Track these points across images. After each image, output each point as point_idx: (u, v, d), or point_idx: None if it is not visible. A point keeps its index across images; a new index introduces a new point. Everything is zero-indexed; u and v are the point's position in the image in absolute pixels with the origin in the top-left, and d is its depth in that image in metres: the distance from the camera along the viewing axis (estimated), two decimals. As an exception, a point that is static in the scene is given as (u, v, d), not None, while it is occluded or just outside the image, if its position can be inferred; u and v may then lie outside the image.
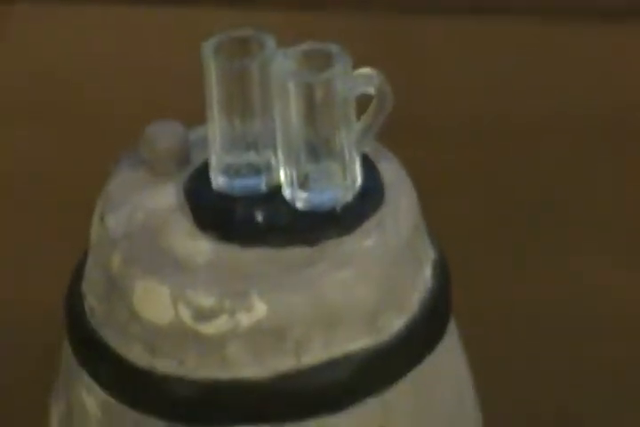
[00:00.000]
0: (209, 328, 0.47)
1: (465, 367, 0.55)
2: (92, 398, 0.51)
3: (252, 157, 0.54)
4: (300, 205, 0.53)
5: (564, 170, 1.00)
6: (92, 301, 0.52)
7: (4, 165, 1.04)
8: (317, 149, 0.53)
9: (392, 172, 0.55)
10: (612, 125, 1.11)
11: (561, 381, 0.91)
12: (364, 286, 0.50)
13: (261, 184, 0.54)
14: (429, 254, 0.54)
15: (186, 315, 0.48)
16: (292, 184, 0.54)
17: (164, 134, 0.56)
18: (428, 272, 0.53)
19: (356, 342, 0.49)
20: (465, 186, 0.99)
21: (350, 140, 0.54)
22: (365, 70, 0.54)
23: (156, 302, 0.49)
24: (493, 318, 0.86)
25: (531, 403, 0.73)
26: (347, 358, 0.48)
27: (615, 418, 0.87)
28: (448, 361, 0.53)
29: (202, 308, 0.48)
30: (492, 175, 1.04)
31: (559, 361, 0.89)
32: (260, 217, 0.52)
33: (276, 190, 0.53)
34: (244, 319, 0.48)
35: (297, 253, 0.51)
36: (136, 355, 0.48)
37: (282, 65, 0.53)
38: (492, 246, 0.89)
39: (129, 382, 0.49)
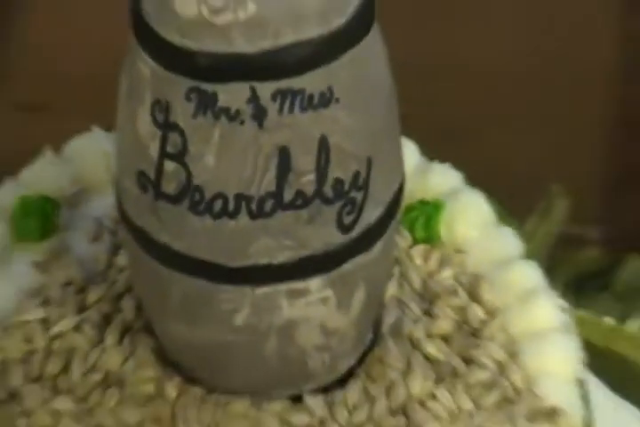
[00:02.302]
0: (219, 19, 0.54)
1: (385, 67, 0.60)
2: (146, 66, 0.57)
3: None
4: None
5: None
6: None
7: None
8: None
9: None
10: None
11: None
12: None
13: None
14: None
15: (205, 11, 0.55)
16: None
17: None
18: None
19: (314, 31, 0.56)
20: None
21: None
22: None
23: (187, 2, 0.55)
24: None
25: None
26: (308, 41, 0.55)
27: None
28: (375, 50, 0.59)
29: (215, 7, 0.55)
30: None
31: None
32: None
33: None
34: (242, 14, 0.54)
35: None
36: (173, 37, 0.55)
37: None
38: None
39: (168, 54, 0.56)
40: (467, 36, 1.11)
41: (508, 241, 0.63)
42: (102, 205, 0.62)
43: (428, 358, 0.60)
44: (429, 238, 0.62)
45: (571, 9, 1.17)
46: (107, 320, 0.61)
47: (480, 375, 0.60)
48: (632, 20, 1.17)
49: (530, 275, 0.62)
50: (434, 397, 0.59)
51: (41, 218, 0.63)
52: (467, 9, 1.17)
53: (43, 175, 0.64)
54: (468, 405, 0.59)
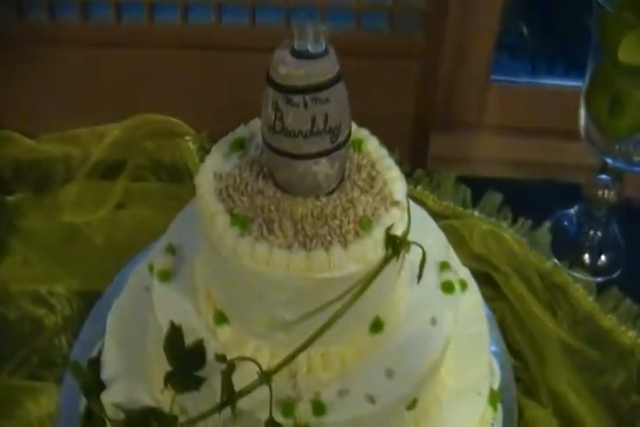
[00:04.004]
0: (294, 73, 0.48)
1: (344, 88, 0.50)
2: (270, 90, 0.49)
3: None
4: None
5: None
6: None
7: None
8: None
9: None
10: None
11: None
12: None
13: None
14: None
15: (290, 71, 0.49)
16: None
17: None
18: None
19: (324, 78, 0.49)
20: None
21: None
22: None
23: (284, 70, 0.49)
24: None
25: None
26: (322, 82, 0.49)
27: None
28: (342, 85, 0.50)
29: (292, 69, 0.48)
30: None
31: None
32: None
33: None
34: (301, 72, 0.48)
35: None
36: (279, 80, 0.48)
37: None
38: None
39: (276, 86, 0.49)
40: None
41: (383, 150, 0.56)
42: (258, 138, 0.54)
43: (358, 186, 0.54)
44: (359, 150, 0.56)
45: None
46: (259, 172, 0.54)
47: (375, 189, 0.54)
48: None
49: (390, 160, 0.56)
50: (360, 197, 0.54)
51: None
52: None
53: (241, 131, 0.56)
54: (370, 200, 0.53)
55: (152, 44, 0.80)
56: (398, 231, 0.51)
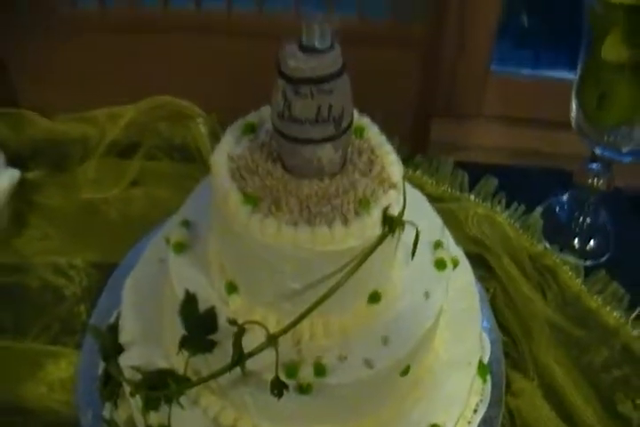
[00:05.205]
0: (303, 65, 0.50)
1: (348, 80, 0.52)
2: (280, 81, 0.51)
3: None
4: None
5: None
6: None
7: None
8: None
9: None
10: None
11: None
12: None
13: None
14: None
15: (298, 64, 0.50)
16: None
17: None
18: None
19: (328, 71, 0.51)
20: None
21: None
22: None
23: (292, 64, 0.50)
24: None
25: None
26: (327, 74, 0.50)
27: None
28: (345, 77, 0.52)
29: (301, 62, 0.50)
30: None
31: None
32: None
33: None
34: (310, 64, 0.50)
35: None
36: (288, 72, 0.50)
37: None
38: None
39: (287, 78, 0.51)
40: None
41: (382, 137, 0.58)
42: (268, 124, 0.56)
43: (359, 169, 0.57)
44: (361, 137, 0.58)
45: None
46: (268, 155, 0.56)
47: (374, 173, 0.56)
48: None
49: (389, 146, 0.58)
50: (360, 179, 0.56)
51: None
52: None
53: (252, 116, 0.58)
54: (369, 182, 0.56)
55: (166, 30, 0.84)
56: (394, 211, 0.53)
